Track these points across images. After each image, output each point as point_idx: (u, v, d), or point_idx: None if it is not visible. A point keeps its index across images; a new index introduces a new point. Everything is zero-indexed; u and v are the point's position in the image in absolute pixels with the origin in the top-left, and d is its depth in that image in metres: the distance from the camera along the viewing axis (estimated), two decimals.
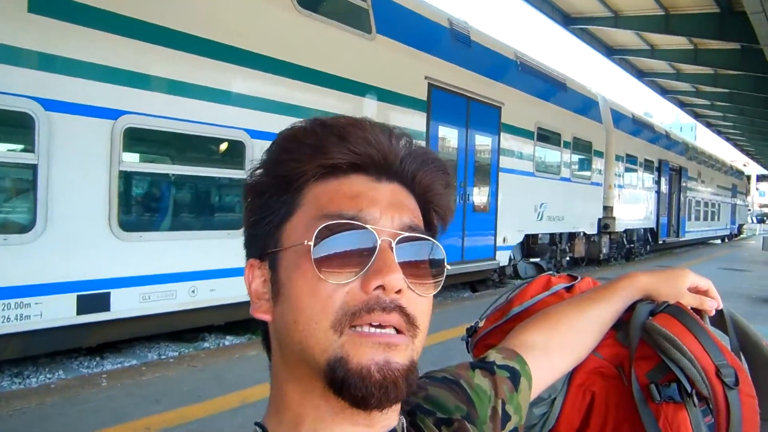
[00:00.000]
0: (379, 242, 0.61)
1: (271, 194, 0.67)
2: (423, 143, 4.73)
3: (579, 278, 1.17)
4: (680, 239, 23.51)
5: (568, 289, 1.14)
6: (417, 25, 8.80)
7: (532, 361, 0.94)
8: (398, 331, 0.61)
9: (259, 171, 0.69)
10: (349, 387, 0.58)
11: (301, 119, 0.69)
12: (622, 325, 1.04)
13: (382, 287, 0.60)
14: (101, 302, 4.96)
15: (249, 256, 0.70)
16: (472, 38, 9.96)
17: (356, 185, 0.65)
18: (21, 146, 4.82)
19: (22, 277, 4.51)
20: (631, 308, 1.03)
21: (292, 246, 0.64)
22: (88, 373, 5.29)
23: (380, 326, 0.60)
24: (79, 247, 4.83)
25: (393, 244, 0.62)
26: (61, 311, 4.71)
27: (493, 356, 0.92)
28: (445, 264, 0.68)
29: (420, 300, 0.63)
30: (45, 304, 4.60)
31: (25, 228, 4.57)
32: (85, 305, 4.86)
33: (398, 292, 0.60)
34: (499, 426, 0.84)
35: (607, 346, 1.04)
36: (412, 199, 0.69)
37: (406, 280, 0.61)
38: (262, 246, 0.67)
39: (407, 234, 0.64)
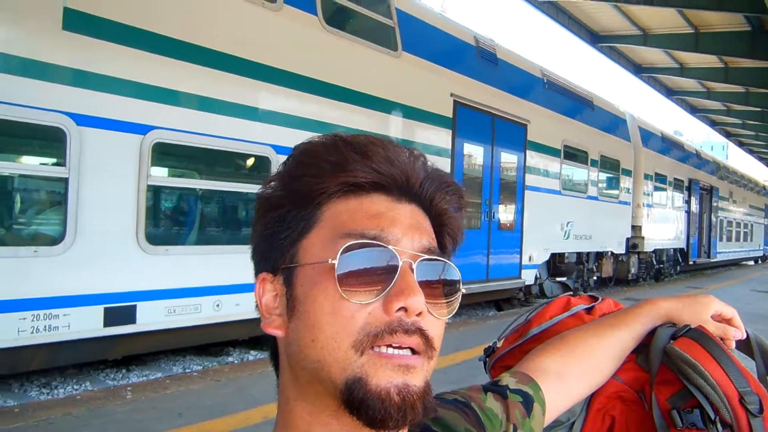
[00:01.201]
0: (400, 263, 0.61)
1: (289, 209, 0.66)
2: (448, 160, 4.76)
3: (600, 299, 1.14)
4: (711, 260, 23.04)
5: (589, 310, 1.11)
6: (443, 43, 8.83)
7: (547, 387, 0.92)
8: (413, 352, 0.61)
9: (274, 184, 0.68)
10: (368, 408, 0.58)
11: (319, 135, 0.69)
12: (642, 348, 1.01)
13: (403, 309, 0.59)
14: (127, 315, 5.02)
15: (260, 269, 0.69)
16: (499, 56, 9.96)
17: (377, 205, 0.65)
18: (53, 160, 4.92)
19: (51, 289, 4.58)
20: (652, 332, 1.00)
21: (312, 263, 0.63)
22: (113, 385, 5.34)
23: (399, 347, 0.60)
24: (107, 260, 4.89)
25: (414, 266, 0.62)
26: (88, 323, 4.77)
27: (507, 380, 0.91)
28: (461, 287, 0.67)
29: (436, 322, 0.63)
30: (73, 316, 4.66)
31: (55, 240, 4.65)
32: (111, 317, 4.91)
33: (419, 314, 0.60)
34: None
35: (627, 369, 1.01)
36: (428, 221, 0.68)
37: (425, 303, 0.61)
38: (275, 260, 0.66)
39: (428, 256, 0.64)
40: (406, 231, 0.63)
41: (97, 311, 4.82)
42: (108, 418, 3.97)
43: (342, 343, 0.59)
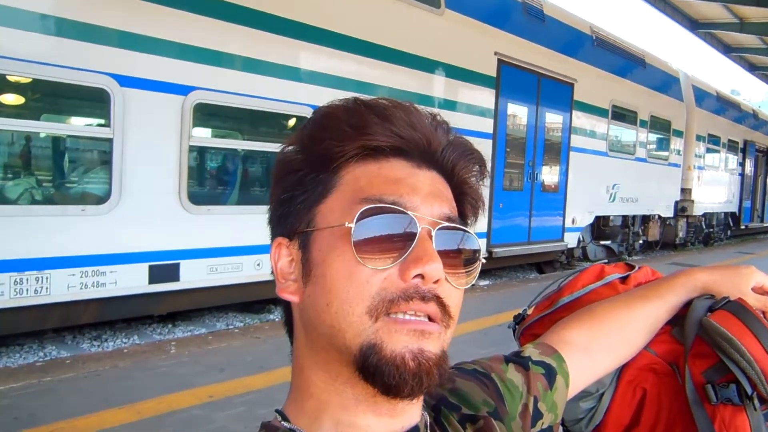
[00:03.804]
0: (419, 230, 0.60)
1: (306, 172, 0.65)
2: (492, 121, 4.67)
3: (636, 268, 1.09)
4: (765, 225, 22.31)
5: (623, 279, 1.07)
6: None
7: (572, 360, 0.90)
8: (431, 320, 0.60)
9: (293, 147, 0.67)
10: (382, 374, 0.57)
11: (340, 98, 0.67)
12: (678, 320, 0.97)
13: (420, 276, 0.58)
14: (171, 272, 5.16)
15: (276, 233, 0.68)
16: (546, 12, 9.64)
17: (397, 170, 0.63)
18: (98, 121, 5.03)
19: (99, 247, 4.73)
20: (688, 303, 0.96)
21: (329, 227, 0.62)
22: (159, 340, 5.54)
23: (415, 314, 0.59)
24: (151, 219, 5.02)
25: (433, 233, 0.60)
26: (134, 280, 4.93)
27: (529, 351, 0.89)
28: (480, 256, 0.66)
29: (454, 291, 0.62)
30: (119, 273, 4.82)
31: (101, 200, 4.78)
32: (156, 275, 5.06)
33: (436, 281, 0.59)
34: (529, 423, 0.81)
35: (661, 341, 0.98)
36: (449, 189, 0.67)
37: (443, 271, 0.60)
38: (292, 225, 0.65)
39: (447, 224, 0.62)
40: (425, 198, 0.62)
41: (143, 269, 4.97)
42: (152, 371, 4.13)
43: (356, 308, 0.58)
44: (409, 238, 0.59)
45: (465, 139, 0.69)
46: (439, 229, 0.61)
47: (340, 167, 0.63)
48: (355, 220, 0.59)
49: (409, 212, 0.60)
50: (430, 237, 0.60)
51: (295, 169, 0.66)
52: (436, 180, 0.65)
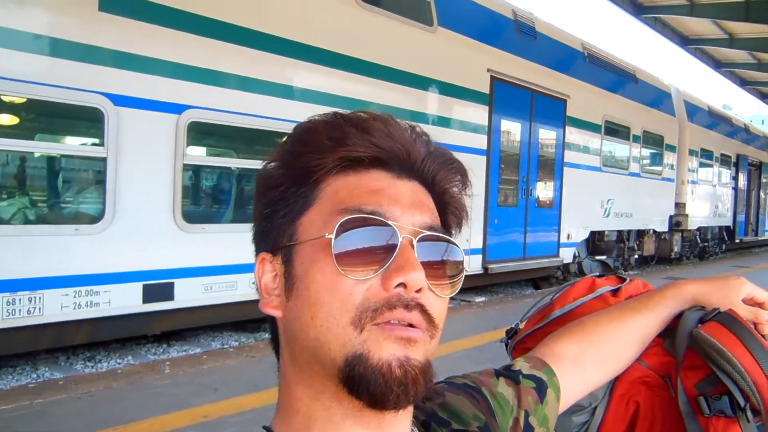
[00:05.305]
0: (400, 239, 0.59)
1: (287, 187, 0.65)
2: (485, 137, 4.68)
3: (627, 280, 1.09)
4: (759, 238, 22.40)
5: (615, 292, 1.06)
6: (480, 17, 8.67)
7: (562, 373, 0.89)
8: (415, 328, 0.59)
9: (274, 163, 0.67)
10: (368, 383, 0.56)
11: (320, 113, 0.67)
12: (669, 332, 0.97)
13: (402, 285, 0.58)
14: (165, 291, 5.13)
15: (259, 249, 0.68)
16: (538, 30, 9.74)
17: (377, 181, 0.63)
18: (92, 140, 5.03)
19: (92, 266, 4.70)
20: (679, 315, 0.96)
21: (310, 239, 0.62)
22: (153, 360, 5.49)
23: (399, 322, 0.58)
24: (145, 238, 5.00)
25: (414, 242, 0.60)
26: (127, 300, 4.90)
27: (520, 365, 0.88)
28: (464, 266, 0.66)
29: (438, 300, 0.61)
30: (113, 293, 4.79)
31: (94, 219, 4.77)
32: (150, 294, 5.03)
33: (418, 291, 0.59)
34: None
35: (653, 354, 0.97)
36: (431, 199, 0.67)
37: (426, 280, 0.59)
38: (275, 239, 0.65)
39: (429, 233, 0.62)
40: (406, 208, 0.62)
41: (136, 288, 4.94)
42: (147, 391, 4.09)
43: (341, 319, 0.58)
44: (390, 248, 0.59)
45: (445, 149, 0.69)
46: (421, 238, 0.61)
47: (321, 180, 0.64)
48: (335, 231, 0.59)
49: (389, 222, 0.60)
50: (412, 246, 0.60)
51: (276, 185, 0.66)
52: (417, 190, 0.65)
